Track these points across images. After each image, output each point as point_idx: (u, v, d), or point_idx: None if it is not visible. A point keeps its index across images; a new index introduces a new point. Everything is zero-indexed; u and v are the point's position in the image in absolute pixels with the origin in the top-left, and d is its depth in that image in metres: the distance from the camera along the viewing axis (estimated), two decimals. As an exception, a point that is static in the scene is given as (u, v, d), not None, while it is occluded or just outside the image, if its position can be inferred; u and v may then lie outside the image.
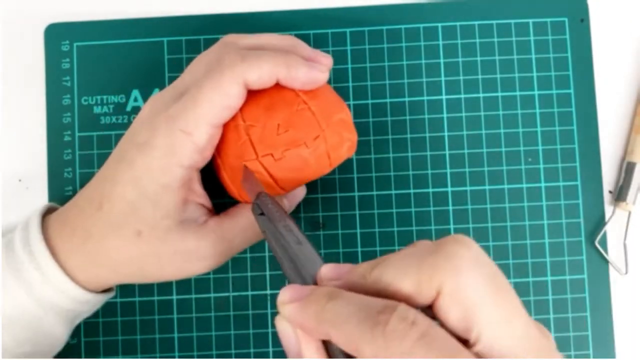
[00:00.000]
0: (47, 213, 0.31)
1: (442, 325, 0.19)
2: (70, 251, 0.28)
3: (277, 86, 0.28)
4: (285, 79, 0.27)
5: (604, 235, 0.36)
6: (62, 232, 0.29)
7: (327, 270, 0.22)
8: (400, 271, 0.20)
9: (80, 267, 0.28)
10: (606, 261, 0.36)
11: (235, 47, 0.29)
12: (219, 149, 0.29)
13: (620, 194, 0.36)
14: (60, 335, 0.30)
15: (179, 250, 0.28)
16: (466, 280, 0.19)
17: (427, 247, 0.20)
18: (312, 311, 0.20)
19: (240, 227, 0.29)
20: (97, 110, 0.37)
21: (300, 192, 0.33)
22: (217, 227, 0.29)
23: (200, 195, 0.29)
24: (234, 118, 0.28)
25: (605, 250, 0.36)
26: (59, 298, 0.28)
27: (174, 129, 0.27)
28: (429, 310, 0.20)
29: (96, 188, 0.29)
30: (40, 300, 0.28)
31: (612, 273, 0.36)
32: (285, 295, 0.22)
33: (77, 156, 0.36)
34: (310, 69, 0.28)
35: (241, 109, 0.28)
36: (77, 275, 0.28)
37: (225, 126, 0.28)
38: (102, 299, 0.31)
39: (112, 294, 0.33)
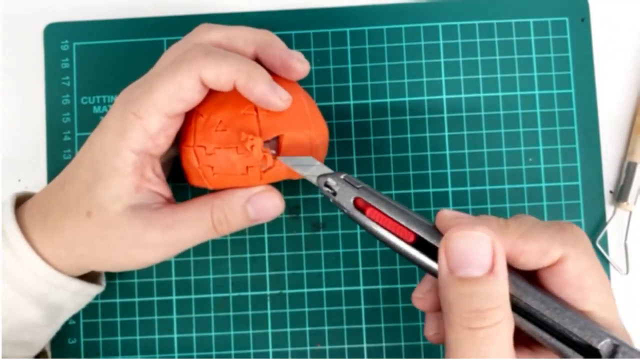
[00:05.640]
0: (27, 199, 0.31)
1: (546, 287, 0.24)
2: (33, 227, 0.29)
3: None
4: (242, 87, 0.27)
5: (605, 235, 0.36)
6: (31, 211, 0.29)
7: (449, 212, 0.24)
8: (530, 237, 0.23)
9: (42, 244, 0.29)
10: (607, 261, 0.36)
11: (206, 39, 0.29)
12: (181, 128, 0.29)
13: (621, 194, 0.36)
14: (34, 320, 0.30)
15: (125, 234, 0.28)
16: (590, 264, 0.23)
17: (551, 223, 0.24)
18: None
19: (191, 218, 0.28)
20: (96, 110, 0.37)
21: (273, 210, 0.29)
22: (168, 216, 0.28)
23: (155, 184, 0.29)
24: None
25: (606, 250, 0.36)
26: (30, 279, 0.28)
27: (127, 112, 0.27)
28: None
29: (65, 170, 0.30)
30: (13, 282, 0.28)
31: (613, 273, 0.36)
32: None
33: (76, 156, 0.36)
34: (270, 91, 0.27)
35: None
36: (42, 253, 0.29)
37: (189, 111, 0.29)
38: (80, 287, 0.31)
39: (98, 288, 0.32)
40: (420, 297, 0.27)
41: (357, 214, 0.25)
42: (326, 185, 0.26)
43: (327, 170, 0.27)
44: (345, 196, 0.25)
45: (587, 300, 0.23)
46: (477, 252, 0.22)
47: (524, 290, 0.23)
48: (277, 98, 0.27)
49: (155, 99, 0.27)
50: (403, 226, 0.24)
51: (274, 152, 0.28)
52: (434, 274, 0.24)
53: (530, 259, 0.23)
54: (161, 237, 0.28)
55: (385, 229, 0.25)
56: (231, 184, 0.29)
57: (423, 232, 0.24)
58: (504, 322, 0.22)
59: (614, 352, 0.21)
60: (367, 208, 0.25)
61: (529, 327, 0.23)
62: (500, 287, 0.22)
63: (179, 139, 0.29)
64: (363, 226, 0.25)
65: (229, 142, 0.27)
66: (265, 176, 0.28)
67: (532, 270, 0.24)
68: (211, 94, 0.29)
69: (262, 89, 0.27)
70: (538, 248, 0.23)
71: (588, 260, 0.23)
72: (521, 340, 0.24)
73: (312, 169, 0.27)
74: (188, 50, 0.28)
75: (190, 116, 0.29)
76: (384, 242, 0.25)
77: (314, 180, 0.27)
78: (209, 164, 0.28)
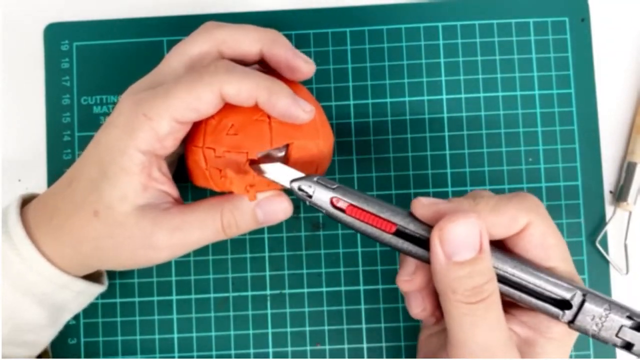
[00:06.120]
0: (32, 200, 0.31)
1: (512, 252, 0.26)
2: (38, 226, 0.29)
3: None
4: (264, 103, 0.27)
5: (605, 235, 0.36)
6: (37, 210, 0.29)
7: (425, 200, 0.26)
8: (499, 210, 0.25)
9: (47, 243, 0.28)
10: (607, 261, 0.36)
11: (212, 36, 0.29)
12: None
13: (620, 194, 0.36)
14: (37, 320, 0.30)
15: (133, 234, 0.28)
16: (550, 225, 0.26)
17: (511, 195, 0.26)
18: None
19: (200, 220, 0.28)
20: (96, 110, 0.37)
21: (281, 214, 0.29)
22: (176, 217, 0.28)
23: (162, 182, 0.29)
24: None
25: (606, 250, 0.36)
26: (35, 278, 0.28)
27: (138, 112, 0.27)
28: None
29: (72, 167, 0.30)
30: (17, 281, 0.28)
31: (613, 273, 0.36)
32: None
33: (76, 156, 0.36)
34: (293, 104, 0.27)
35: None
36: (47, 252, 0.28)
37: None
38: (83, 287, 0.31)
39: (101, 288, 0.32)
40: (408, 279, 0.28)
41: (336, 212, 0.26)
42: (300, 189, 0.27)
43: (299, 174, 0.27)
44: (322, 197, 0.26)
45: (550, 259, 0.26)
46: (469, 236, 0.24)
47: (500, 260, 0.25)
48: (300, 111, 0.27)
49: (170, 104, 0.26)
50: (383, 219, 0.26)
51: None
52: (419, 257, 0.26)
53: (501, 230, 0.26)
54: (169, 239, 0.28)
55: (367, 223, 0.26)
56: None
57: (402, 221, 0.26)
58: (496, 291, 0.24)
59: (583, 301, 0.25)
60: (347, 206, 0.26)
61: (508, 292, 0.25)
62: (488, 262, 0.24)
63: (187, 139, 0.29)
64: (344, 223, 0.26)
65: (240, 147, 0.27)
66: (273, 182, 0.28)
67: (500, 239, 0.26)
68: None
69: (284, 103, 0.27)
70: (508, 219, 0.25)
71: (548, 223, 0.26)
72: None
73: (284, 174, 0.27)
74: (209, 64, 0.27)
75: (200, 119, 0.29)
76: (366, 235, 0.26)
77: (287, 185, 0.27)
78: (217, 166, 0.28)
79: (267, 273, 0.36)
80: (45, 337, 0.31)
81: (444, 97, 0.37)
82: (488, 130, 0.36)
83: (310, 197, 0.27)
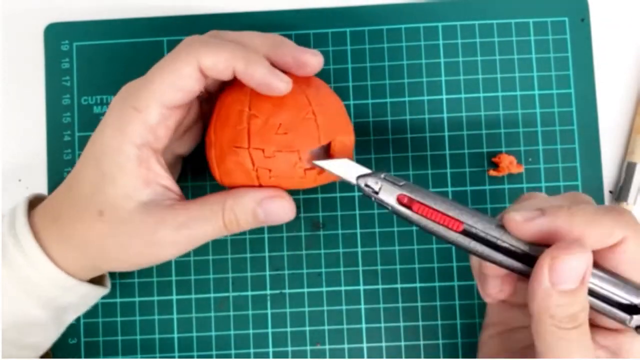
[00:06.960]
0: (39, 201, 0.31)
1: (600, 264, 0.25)
2: (44, 231, 0.29)
3: (294, 90, 0.28)
4: (241, 73, 0.27)
5: (605, 235, 0.36)
6: (42, 215, 0.29)
7: (519, 216, 0.25)
8: (596, 223, 0.24)
9: (53, 248, 0.28)
10: (606, 261, 0.36)
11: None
12: (216, 127, 0.29)
13: (620, 194, 0.36)
14: (42, 323, 0.30)
15: (139, 232, 0.27)
16: None
17: (609, 207, 0.25)
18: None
19: (204, 217, 0.28)
20: (97, 110, 0.37)
21: (283, 216, 0.29)
22: (181, 214, 0.28)
23: (163, 178, 0.28)
24: (240, 103, 0.28)
25: (606, 250, 0.36)
26: (44, 282, 0.28)
27: (126, 106, 0.27)
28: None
29: (71, 172, 0.30)
30: (24, 285, 0.28)
31: (613, 273, 0.36)
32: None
33: (77, 156, 0.36)
34: (270, 73, 0.27)
35: (251, 97, 0.28)
36: (53, 256, 0.28)
37: (230, 108, 0.28)
38: (88, 290, 0.31)
39: (104, 290, 0.32)
40: (499, 291, 0.28)
41: (402, 210, 0.26)
42: (366, 185, 0.27)
43: (365, 170, 0.27)
44: (389, 194, 0.26)
45: None
46: (579, 268, 0.24)
47: (592, 274, 0.25)
48: (278, 80, 0.27)
49: (154, 90, 0.27)
50: (450, 217, 0.25)
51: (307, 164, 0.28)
52: (484, 257, 0.26)
53: (595, 242, 0.25)
54: (174, 235, 0.28)
55: (433, 221, 0.26)
56: (288, 185, 0.29)
57: (470, 220, 0.25)
58: (587, 317, 0.24)
59: None
60: (413, 203, 0.26)
61: (598, 305, 0.25)
62: (586, 291, 0.24)
63: (224, 139, 0.28)
64: (410, 221, 0.26)
65: (291, 146, 0.27)
66: (319, 178, 0.29)
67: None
68: (262, 96, 0.28)
69: (262, 72, 0.27)
70: (604, 232, 0.24)
71: None
72: None
73: (350, 170, 0.27)
74: (185, 41, 0.28)
75: (236, 117, 0.28)
76: (433, 234, 0.26)
77: (352, 181, 0.27)
78: (267, 166, 0.28)
79: (267, 273, 0.36)
80: (48, 340, 0.31)
81: (444, 97, 0.37)
82: (488, 131, 0.36)
83: (377, 193, 0.26)
